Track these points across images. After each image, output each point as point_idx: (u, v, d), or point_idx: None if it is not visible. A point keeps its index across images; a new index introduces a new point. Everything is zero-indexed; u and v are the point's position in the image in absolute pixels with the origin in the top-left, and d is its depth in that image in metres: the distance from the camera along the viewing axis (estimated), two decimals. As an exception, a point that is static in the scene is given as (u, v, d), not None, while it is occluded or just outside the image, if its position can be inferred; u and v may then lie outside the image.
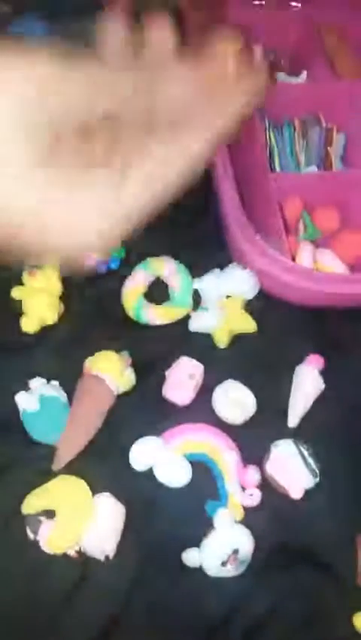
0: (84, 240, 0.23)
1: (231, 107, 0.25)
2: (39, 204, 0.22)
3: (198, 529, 0.42)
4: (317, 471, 0.44)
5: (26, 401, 0.44)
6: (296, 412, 0.47)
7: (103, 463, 0.44)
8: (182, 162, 0.24)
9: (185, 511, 0.43)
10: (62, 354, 0.48)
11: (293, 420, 0.47)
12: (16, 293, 0.49)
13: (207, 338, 0.50)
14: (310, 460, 0.44)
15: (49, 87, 0.21)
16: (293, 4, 0.67)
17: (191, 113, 0.24)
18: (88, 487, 0.41)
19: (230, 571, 0.40)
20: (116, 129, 0.24)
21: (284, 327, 0.51)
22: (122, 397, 0.46)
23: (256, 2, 0.66)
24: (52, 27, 0.66)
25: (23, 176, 0.21)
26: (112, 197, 0.23)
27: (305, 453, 0.44)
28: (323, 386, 0.48)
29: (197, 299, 0.51)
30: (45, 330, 0.49)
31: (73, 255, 0.23)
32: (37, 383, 0.45)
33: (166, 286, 0.52)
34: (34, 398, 0.44)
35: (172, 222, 0.55)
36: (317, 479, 0.44)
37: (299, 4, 0.67)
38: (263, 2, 0.67)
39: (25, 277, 0.49)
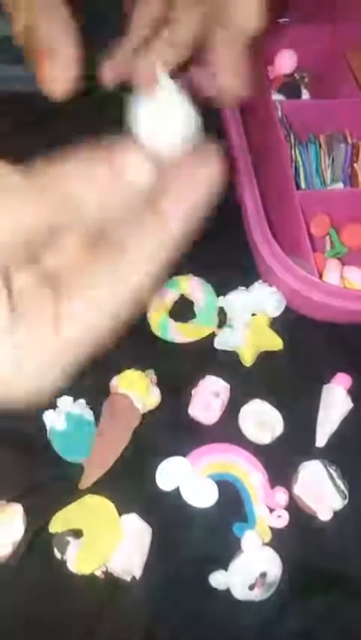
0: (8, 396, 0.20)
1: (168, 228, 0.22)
2: None
3: (226, 550, 0.41)
4: (346, 492, 0.43)
5: (54, 419, 0.45)
6: (324, 431, 0.46)
7: (129, 483, 0.43)
8: (125, 292, 0.21)
9: (212, 533, 0.42)
10: (88, 372, 0.48)
11: (321, 440, 0.46)
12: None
13: (232, 356, 0.49)
14: (339, 482, 0.43)
15: None
16: (319, 20, 0.67)
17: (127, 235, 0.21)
18: (114, 508, 0.41)
19: (258, 595, 0.40)
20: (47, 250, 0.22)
21: (311, 345, 0.50)
22: (147, 416, 0.46)
23: (281, 20, 0.67)
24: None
25: None
26: (46, 343, 0.20)
27: (334, 474, 0.44)
28: (351, 405, 0.47)
29: (222, 317, 0.51)
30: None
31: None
32: (64, 401, 0.46)
33: (192, 304, 0.52)
34: (62, 416, 0.45)
35: (197, 240, 0.56)
36: (346, 501, 0.43)
37: (325, 21, 0.67)
38: (288, 20, 0.68)
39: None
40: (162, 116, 0.27)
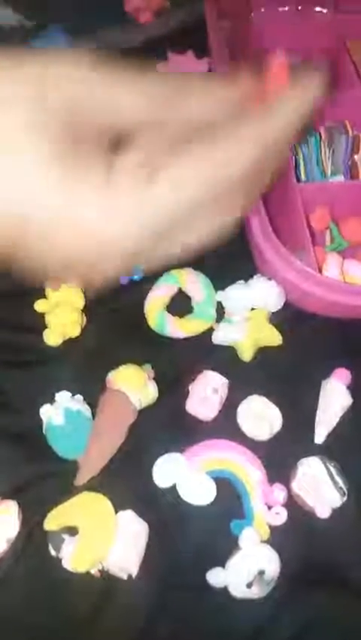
0: (98, 249, 0.21)
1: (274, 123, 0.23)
2: (51, 202, 0.20)
3: (223, 548, 0.41)
4: (345, 489, 0.43)
5: (51, 414, 0.44)
6: (323, 427, 0.46)
7: (126, 480, 0.43)
8: (213, 171, 0.22)
9: (209, 530, 0.42)
10: (84, 367, 0.48)
11: (320, 436, 0.45)
12: (39, 306, 0.49)
13: (231, 351, 0.49)
14: (338, 478, 0.43)
15: (63, 86, 0.21)
16: (318, 9, 0.66)
17: (225, 130, 0.23)
18: (111, 505, 0.41)
19: (256, 593, 0.39)
20: (145, 135, 0.23)
21: (310, 340, 0.50)
22: (144, 412, 0.45)
23: (281, 9, 0.65)
24: (76, 40, 0.67)
25: (36, 171, 0.20)
26: (135, 201, 0.21)
27: (333, 471, 0.43)
28: (350, 401, 0.47)
29: (221, 311, 0.50)
30: (68, 344, 0.49)
31: (85, 270, 0.22)
32: (62, 396, 0.45)
33: (189, 298, 0.51)
34: (60, 411, 0.44)
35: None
36: (345, 498, 0.43)
37: (325, 10, 0.66)
38: (287, 8, 0.67)
39: (48, 290, 0.49)
40: None
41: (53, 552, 0.40)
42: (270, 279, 0.49)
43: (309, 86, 0.24)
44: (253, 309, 0.49)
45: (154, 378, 0.46)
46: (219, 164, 0.22)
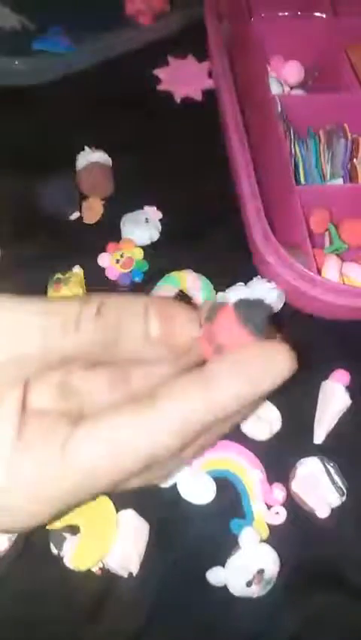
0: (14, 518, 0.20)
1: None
2: None
3: (223, 547, 0.41)
4: (344, 489, 0.43)
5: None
6: (322, 428, 0.46)
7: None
8: (144, 442, 0.20)
9: (209, 529, 0.42)
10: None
11: (319, 436, 0.46)
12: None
13: (231, 352, 0.49)
14: (337, 478, 0.43)
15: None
16: (317, 14, 0.67)
17: (165, 391, 0.20)
18: (112, 504, 0.41)
19: (255, 591, 0.40)
20: (78, 379, 0.22)
21: (310, 341, 0.50)
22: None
23: (281, 14, 0.66)
24: (76, 42, 0.67)
25: None
26: (42, 470, 0.19)
27: (332, 470, 0.43)
28: (349, 402, 0.47)
29: (221, 313, 0.51)
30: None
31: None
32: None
33: (190, 299, 0.52)
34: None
35: (195, 235, 0.56)
36: (344, 497, 0.43)
37: (324, 15, 0.66)
38: (286, 13, 0.67)
39: (50, 291, 0.50)
40: None
41: (54, 550, 0.40)
42: (270, 281, 0.50)
43: (272, 363, 0.21)
44: (252, 310, 0.50)
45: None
46: (151, 434, 0.20)
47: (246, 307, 0.20)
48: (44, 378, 0.21)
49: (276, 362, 0.21)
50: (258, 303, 0.20)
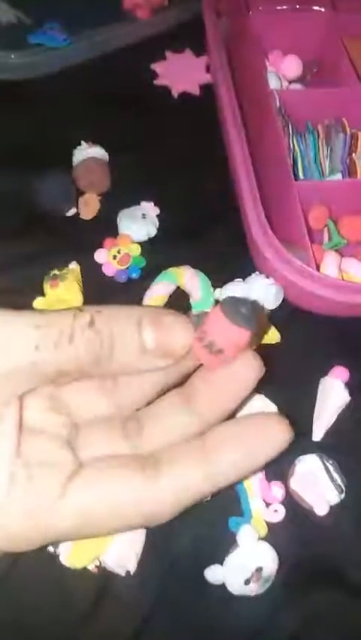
0: None
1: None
2: None
3: (221, 545, 0.41)
4: (343, 487, 0.43)
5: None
6: (321, 425, 0.46)
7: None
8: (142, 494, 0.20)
9: (207, 527, 0.42)
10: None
11: (318, 433, 0.46)
12: (38, 304, 0.49)
13: (229, 349, 0.49)
14: (336, 476, 0.43)
15: None
16: (316, 7, 0.66)
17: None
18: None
19: (253, 589, 0.39)
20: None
21: (308, 338, 0.50)
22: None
23: (279, 7, 0.65)
24: (72, 36, 0.66)
25: None
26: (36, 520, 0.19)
27: (331, 468, 0.43)
28: (348, 399, 0.47)
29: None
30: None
31: None
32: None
33: (187, 296, 0.51)
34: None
35: (193, 231, 0.55)
36: (343, 495, 0.43)
37: (322, 9, 0.66)
38: (285, 7, 0.67)
39: (47, 288, 0.49)
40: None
41: (50, 548, 0.40)
42: (268, 277, 0.49)
43: (270, 434, 0.21)
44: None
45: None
46: (152, 503, 0.20)
47: (232, 302, 0.21)
48: (36, 391, 0.21)
49: (274, 433, 0.21)
50: (245, 299, 0.21)
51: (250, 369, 0.22)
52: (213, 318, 0.21)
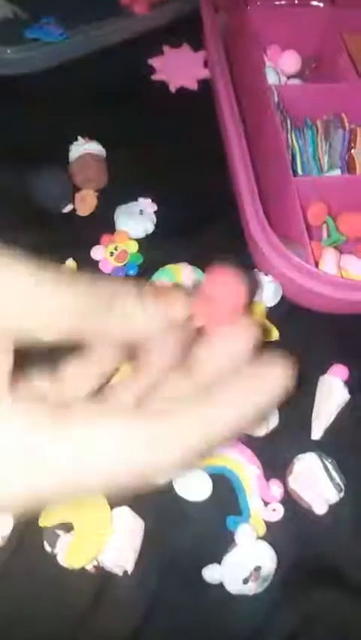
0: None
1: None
2: None
3: (220, 544, 0.41)
4: (342, 485, 0.42)
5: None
6: (320, 423, 0.45)
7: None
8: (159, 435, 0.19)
9: (206, 526, 0.42)
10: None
11: (317, 432, 0.45)
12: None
13: (227, 346, 0.48)
14: (335, 474, 0.43)
15: None
16: (314, 2, 0.66)
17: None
18: (106, 501, 0.40)
19: (252, 589, 0.39)
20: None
21: (307, 335, 0.49)
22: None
23: (277, 2, 0.65)
24: (69, 31, 0.66)
25: None
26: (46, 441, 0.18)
27: (330, 467, 0.43)
28: (347, 397, 0.46)
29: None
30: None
31: None
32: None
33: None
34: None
35: (191, 227, 0.55)
36: (342, 494, 0.42)
37: (321, 4, 0.65)
38: (283, 2, 0.66)
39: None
40: None
41: (48, 548, 0.39)
42: (267, 274, 0.49)
43: (270, 377, 0.21)
44: (249, 304, 0.49)
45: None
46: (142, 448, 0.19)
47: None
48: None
49: (274, 370, 0.21)
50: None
51: (248, 331, 0.23)
52: (212, 276, 0.23)
